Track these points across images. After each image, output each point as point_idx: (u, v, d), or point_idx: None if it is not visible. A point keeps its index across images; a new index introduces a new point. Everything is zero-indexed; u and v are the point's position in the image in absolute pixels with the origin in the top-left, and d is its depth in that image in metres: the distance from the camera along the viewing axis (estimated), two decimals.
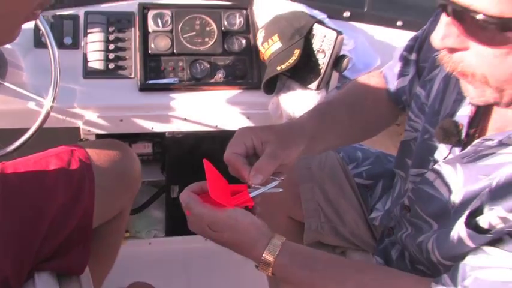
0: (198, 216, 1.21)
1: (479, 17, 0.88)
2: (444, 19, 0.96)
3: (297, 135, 1.35)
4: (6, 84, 1.75)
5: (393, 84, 1.54)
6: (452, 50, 0.99)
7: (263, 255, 1.20)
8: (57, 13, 2.04)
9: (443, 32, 0.97)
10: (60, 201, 1.47)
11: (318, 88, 1.98)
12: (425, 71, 1.40)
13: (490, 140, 1.11)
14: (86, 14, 2.05)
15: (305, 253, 1.28)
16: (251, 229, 1.22)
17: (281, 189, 1.27)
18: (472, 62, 0.97)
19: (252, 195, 1.24)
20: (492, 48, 0.93)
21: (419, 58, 1.46)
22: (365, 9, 2.37)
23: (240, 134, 1.30)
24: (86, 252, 1.54)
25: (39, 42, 1.95)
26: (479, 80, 0.99)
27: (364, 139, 1.67)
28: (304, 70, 1.98)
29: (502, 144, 1.10)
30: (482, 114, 1.19)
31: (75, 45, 2.02)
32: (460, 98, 1.22)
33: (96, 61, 1.99)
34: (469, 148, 1.16)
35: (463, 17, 0.91)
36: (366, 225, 1.68)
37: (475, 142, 1.14)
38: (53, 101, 1.69)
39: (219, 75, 2.04)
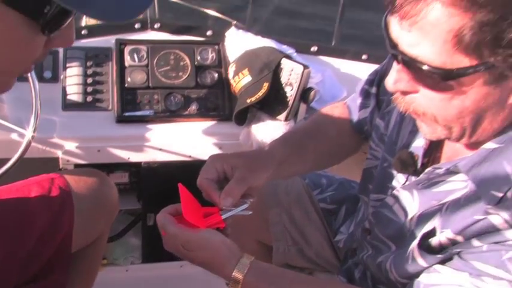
0: (173, 236, 1.29)
1: (425, 67, 0.98)
2: (396, 66, 1.07)
3: (264, 160, 1.45)
4: None
5: (356, 115, 1.64)
6: (405, 93, 1.10)
7: (233, 273, 1.27)
8: None
9: (395, 77, 1.07)
10: (41, 226, 1.54)
11: (286, 119, 2.08)
12: (384, 103, 1.50)
13: (439, 168, 1.21)
14: (65, 49, 2.14)
15: (272, 271, 1.36)
16: (222, 249, 1.29)
17: (250, 212, 1.36)
18: (422, 104, 1.08)
19: (223, 217, 1.33)
20: (437, 93, 1.03)
21: (379, 91, 1.57)
22: (333, 44, 2.49)
23: (211, 160, 1.41)
24: (65, 276, 1.61)
25: (20, 76, 2.03)
26: (430, 118, 1.09)
27: (328, 166, 1.76)
28: (273, 102, 2.08)
29: (449, 172, 1.20)
30: (435, 145, 1.30)
31: (55, 79, 2.11)
32: (415, 130, 1.32)
33: (75, 94, 2.08)
34: (422, 176, 1.27)
35: (411, 66, 1.02)
36: (330, 247, 1.76)
37: (426, 170, 1.25)
38: (34, 132, 1.76)
39: (193, 108, 2.14)
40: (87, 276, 1.87)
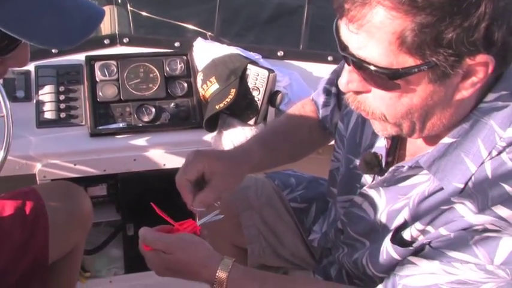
0: (152, 242, 1.35)
1: (372, 68, 1.03)
2: (346, 67, 1.12)
3: (241, 168, 1.52)
4: None
5: (320, 112, 1.70)
6: (357, 93, 1.15)
7: (217, 273, 1.32)
8: (9, 68, 2.17)
9: (347, 78, 1.12)
10: (16, 239, 1.59)
11: (255, 123, 2.13)
12: (343, 104, 1.56)
13: (402, 166, 1.27)
14: (37, 68, 2.20)
15: (255, 271, 1.44)
16: (200, 248, 1.35)
17: (222, 216, 1.43)
18: (372, 103, 1.13)
19: (198, 223, 1.40)
20: (387, 92, 1.08)
21: (339, 91, 1.62)
22: (301, 48, 2.55)
23: (193, 158, 1.47)
24: (44, 285, 1.65)
25: None
26: (379, 117, 1.14)
27: (298, 159, 1.80)
28: (242, 107, 2.14)
29: (412, 168, 1.25)
30: (398, 143, 1.36)
31: (28, 98, 2.16)
32: None
33: (48, 111, 2.13)
34: (386, 174, 1.32)
35: (361, 67, 1.07)
36: (304, 246, 1.81)
37: (390, 169, 1.30)
38: (7, 151, 1.79)
39: (164, 118, 2.18)
40: (65, 286, 1.91)
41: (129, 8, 3.39)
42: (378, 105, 1.12)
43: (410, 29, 0.97)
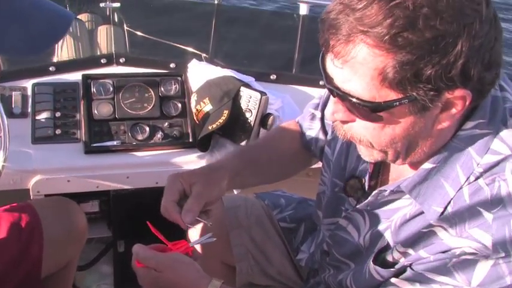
0: (144, 260, 1.38)
1: (355, 100, 1.08)
2: (332, 98, 1.16)
3: (219, 174, 1.56)
4: None
5: (304, 134, 1.74)
6: (343, 122, 1.19)
7: None
8: (7, 85, 2.22)
9: (333, 108, 1.17)
10: (11, 252, 1.62)
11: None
12: (329, 128, 1.61)
13: (384, 190, 1.32)
14: (34, 85, 2.24)
15: None
16: (190, 269, 1.39)
17: (214, 239, 1.48)
18: (358, 131, 1.18)
19: (191, 244, 1.45)
20: (371, 122, 1.13)
21: (323, 116, 1.66)
22: (293, 72, 2.60)
23: (171, 181, 1.51)
24: None
25: None
26: (366, 144, 1.20)
27: (280, 179, 1.83)
28: (234, 128, 2.18)
29: (394, 193, 1.30)
30: (381, 168, 1.41)
31: (24, 114, 2.20)
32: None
33: (44, 128, 2.16)
34: (369, 198, 1.37)
35: (345, 99, 1.11)
36: (291, 265, 1.84)
37: (373, 193, 1.35)
38: (2, 168, 1.82)
39: (158, 137, 2.22)
40: None
41: (125, 28, 3.44)
42: (364, 134, 1.17)
43: (392, 66, 1.02)
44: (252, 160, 1.69)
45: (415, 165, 1.25)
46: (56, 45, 3.26)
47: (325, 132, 1.65)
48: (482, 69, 1.05)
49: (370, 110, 1.09)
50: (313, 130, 1.70)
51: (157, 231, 1.44)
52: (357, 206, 1.43)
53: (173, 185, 1.50)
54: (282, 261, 1.84)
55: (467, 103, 1.08)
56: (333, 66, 1.09)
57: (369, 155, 1.24)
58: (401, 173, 1.31)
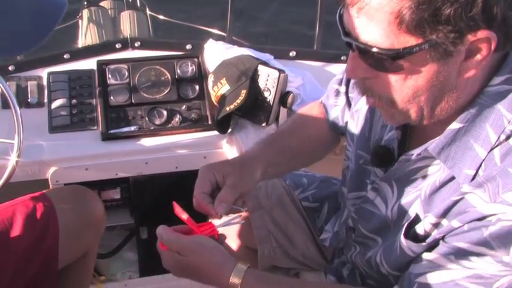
0: (168, 243, 1.34)
1: (375, 50, 1.03)
2: (351, 54, 1.11)
3: (252, 165, 1.51)
4: None
5: (330, 114, 1.69)
6: (363, 79, 1.14)
7: (230, 279, 1.31)
8: (22, 75, 2.20)
9: (352, 64, 1.12)
10: (26, 243, 1.60)
11: (267, 124, 2.12)
12: (353, 101, 1.55)
13: (411, 154, 1.25)
14: (49, 74, 2.21)
15: (269, 276, 1.41)
16: (215, 253, 1.34)
17: (243, 221, 1.44)
18: (379, 88, 1.12)
19: (217, 226, 1.39)
20: (392, 75, 1.07)
21: (348, 90, 1.61)
22: (314, 48, 2.53)
23: (203, 173, 1.45)
24: None
25: (5, 103, 2.09)
26: (386, 103, 1.13)
27: (310, 164, 1.79)
28: (253, 109, 2.13)
29: (421, 157, 1.23)
30: (409, 134, 1.34)
31: (40, 103, 2.18)
32: (386, 124, 1.36)
33: (60, 116, 2.14)
34: (396, 164, 1.30)
35: (364, 51, 1.06)
36: (315, 246, 1.79)
37: (400, 159, 1.28)
38: (18, 157, 1.81)
39: (176, 120, 2.18)
40: None
41: (148, 12, 3.42)
42: (385, 90, 1.11)
43: (408, 7, 0.96)
44: (283, 149, 1.64)
45: (441, 128, 1.18)
46: (79, 33, 3.26)
47: (350, 106, 1.59)
48: (506, 7, 0.97)
49: (390, 59, 1.03)
50: (338, 107, 1.65)
51: (183, 212, 1.38)
52: (384, 175, 1.36)
53: (206, 176, 1.44)
54: (305, 242, 1.79)
55: (492, 47, 1.01)
56: (348, 16, 1.05)
57: (391, 118, 1.19)
58: (428, 137, 1.23)
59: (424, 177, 1.26)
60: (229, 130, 2.18)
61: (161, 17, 3.49)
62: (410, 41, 1.00)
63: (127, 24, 3.31)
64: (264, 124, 2.13)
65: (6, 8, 0.82)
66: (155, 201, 2.27)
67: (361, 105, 1.48)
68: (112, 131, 2.13)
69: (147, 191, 2.26)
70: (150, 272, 2.43)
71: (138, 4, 3.40)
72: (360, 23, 1.03)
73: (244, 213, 1.46)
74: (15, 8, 0.83)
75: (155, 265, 2.34)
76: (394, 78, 1.08)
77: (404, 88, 1.09)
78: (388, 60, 1.04)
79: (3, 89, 1.85)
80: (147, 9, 3.46)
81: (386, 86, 1.10)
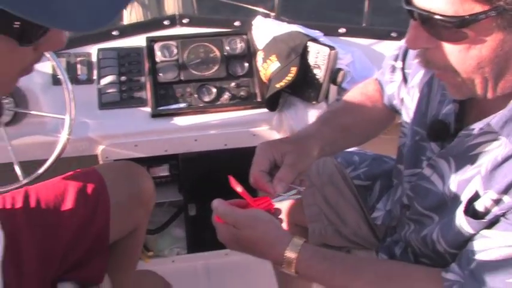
0: (223, 215, 1.33)
1: (438, 17, 1.00)
2: (412, 23, 1.09)
3: (310, 144, 1.48)
4: (32, 112, 1.95)
5: (385, 90, 1.66)
6: (424, 50, 1.11)
7: (285, 253, 1.30)
8: (72, 52, 2.21)
9: (413, 34, 1.09)
10: (78, 218, 1.61)
11: (317, 101, 2.10)
12: (409, 77, 1.52)
13: (472, 129, 1.22)
14: (99, 51, 2.22)
15: (325, 251, 1.39)
16: (271, 227, 1.33)
17: (299, 196, 1.42)
18: (442, 58, 1.09)
19: (273, 201, 1.37)
20: (455, 44, 1.05)
21: (404, 65, 1.58)
22: (363, 25, 2.50)
23: (261, 150, 1.44)
24: (104, 262, 1.67)
25: (56, 80, 2.11)
26: (450, 75, 1.11)
27: (365, 141, 1.76)
28: (303, 86, 2.10)
29: (483, 132, 1.20)
30: (466, 109, 1.30)
31: (90, 80, 2.19)
32: (443, 99, 1.33)
33: (110, 93, 2.15)
34: (455, 140, 1.27)
35: (427, 20, 1.04)
36: (367, 225, 1.77)
37: (460, 134, 1.25)
38: (69, 134, 1.83)
39: (225, 97, 2.17)
40: (127, 264, 1.94)
41: None
42: (447, 61, 1.09)
43: None
44: (340, 127, 1.61)
45: (505, 101, 1.14)
46: (124, 11, 3.26)
47: (406, 82, 1.56)
48: None
49: (454, 27, 1.00)
50: (394, 83, 1.61)
51: (240, 186, 1.37)
52: (442, 151, 1.33)
53: (264, 154, 1.43)
54: (356, 220, 1.77)
55: None
56: None
57: (456, 91, 1.16)
58: (490, 110, 1.20)
59: (485, 152, 1.22)
60: (279, 107, 2.16)
61: None
62: (476, 7, 0.97)
63: (171, 1, 3.31)
64: (313, 101, 2.10)
65: None
66: (204, 178, 2.27)
67: (418, 80, 1.44)
68: (161, 108, 2.13)
69: (195, 168, 2.26)
70: (198, 249, 2.45)
71: None
72: None
73: (300, 190, 1.44)
74: None
75: (203, 242, 2.38)
76: (457, 48, 1.05)
77: (468, 58, 1.06)
78: (451, 29, 1.02)
79: (56, 65, 1.86)
80: None
81: (449, 56, 1.07)
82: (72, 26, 0.80)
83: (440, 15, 1.00)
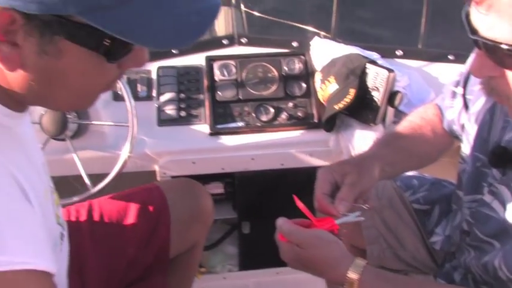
0: (288, 234, 1.34)
1: (504, 47, 1.00)
2: (477, 51, 1.09)
3: (370, 163, 1.50)
4: (94, 122, 2.00)
5: (445, 115, 1.66)
6: (489, 78, 1.11)
7: (348, 273, 1.30)
8: (133, 69, 2.25)
9: (478, 63, 1.10)
10: (141, 234, 1.64)
11: (375, 124, 2.10)
12: (471, 103, 1.52)
13: None
14: (159, 68, 2.26)
15: (387, 274, 1.40)
16: (335, 248, 1.34)
17: (363, 218, 1.42)
18: (506, 87, 1.09)
19: (337, 222, 1.38)
20: None
21: (465, 92, 1.57)
22: (419, 47, 2.49)
23: (322, 173, 1.46)
24: (164, 279, 1.70)
25: (116, 96, 2.15)
26: None
27: (424, 165, 1.75)
28: (360, 108, 2.11)
29: None
30: None
31: (149, 97, 2.23)
32: (506, 125, 1.33)
33: (169, 110, 2.18)
34: None
35: (492, 49, 1.04)
36: (425, 249, 1.77)
37: None
38: (130, 152, 1.88)
39: (283, 117, 2.18)
40: (184, 280, 1.96)
41: (243, 8, 3.43)
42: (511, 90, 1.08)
43: None
44: (401, 149, 1.63)
45: None
46: None
47: (467, 109, 1.56)
48: None
49: None
50: (454, 109, 1.61)
51: (304, 206, 1.38)
52: (503, 178, 1.33)
53: (325, 177, 1.45)
54: (415, 244, 1.77)
55: None
56: (477, 14, 1.02)
57: None
58: None
59: None
60: (335, 128, 2.17)
61: (256, 13, 3.50)
62: None
63: (222, 21, 3.33)
64: (371, 124, 2.11)
65: (172, 9, 0.84)
66: (259, 196, 2.29)
67: (480, 106, 1.44)
68: (219, 126, 2.16)
69: (251, 187, 2.27)
70: (250, 267, 2.46)
71: (233, 1, 3.41)
72: (489, 21, 1.01)
73: (364, 211, 1.44)
74: (179, 8, 0.85)
75: (255, 259, 2.39)
76: None
77: None
78: None
79: (120, 83, 1.90)
80: (242, 5, 3.47)
81: None
82: (159, 45, 0.84)
83: (507, 44, 1.00)
